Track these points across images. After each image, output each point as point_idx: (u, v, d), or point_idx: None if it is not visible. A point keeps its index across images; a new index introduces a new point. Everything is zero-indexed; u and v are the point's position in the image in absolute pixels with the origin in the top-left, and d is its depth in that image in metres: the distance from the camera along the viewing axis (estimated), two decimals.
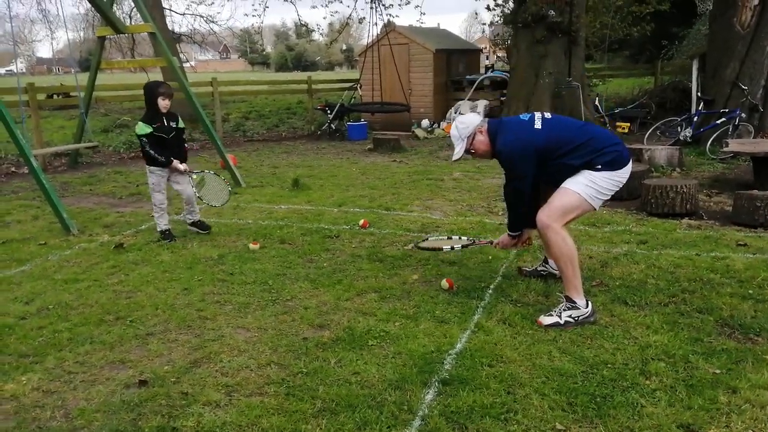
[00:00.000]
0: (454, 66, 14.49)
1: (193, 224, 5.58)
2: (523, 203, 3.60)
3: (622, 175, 3.44)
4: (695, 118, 10.05)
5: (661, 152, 7.95)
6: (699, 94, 10.80)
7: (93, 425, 2.57)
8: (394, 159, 10.11)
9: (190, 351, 3.25)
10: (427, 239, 4.40)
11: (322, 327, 3.50)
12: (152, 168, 5.31)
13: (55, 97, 14.45)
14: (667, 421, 2.44)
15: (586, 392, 2.67)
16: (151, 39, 8.65)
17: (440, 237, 4.31)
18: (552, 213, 3.39)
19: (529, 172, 3.45)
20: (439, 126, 13.54)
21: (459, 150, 3.60)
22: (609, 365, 2.91)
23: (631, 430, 2.40)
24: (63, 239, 5.58)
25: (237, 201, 7.03)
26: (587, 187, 3.36)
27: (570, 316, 3.33)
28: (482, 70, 15.89)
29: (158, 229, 5.39)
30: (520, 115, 3.65)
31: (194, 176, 5.52)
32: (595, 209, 3.47)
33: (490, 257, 4.58)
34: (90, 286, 4.28)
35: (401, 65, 13.27)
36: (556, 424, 2.46)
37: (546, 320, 3.35)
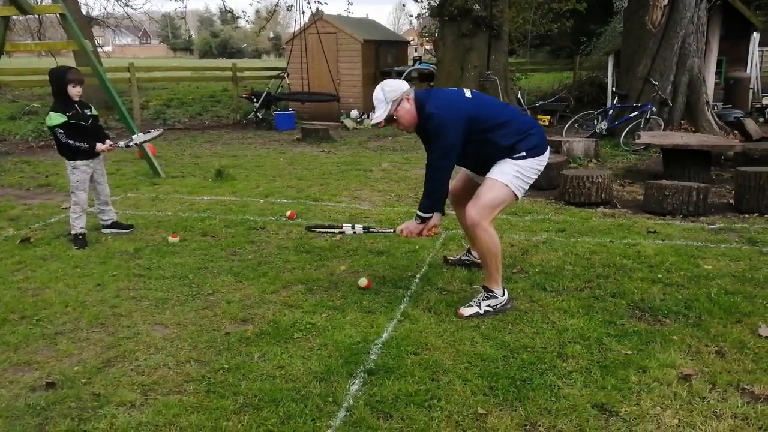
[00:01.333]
0: (382, 57, 14.51)
1: (110, 226, 5.13)
2: (446, 183, 3.42)
3: (542, 161, 3.45)
4: (610, 112, 10.54)
5: (578, 144, 8.28)
6: (614, 89, 11.34)
7: None
8: (323, 149, 10.02)
9: (102, 350, 3.08)
10: (323, 226, 4.16)
11: (245, 321, 3.41)
12: (77, 163, 4.77)
13: None
14: (582, 402, 2.53)
15: (506, 376, 2.74)
16: (61, 21, 8.10)
17: (340, 224, 4.00)
18: (482, 210, 3.32)
19: (457, 143, 3.28)
20: (368, 117, 13.53)
21: (381, 113, 3.34)
22: (528, 349, 3.00)
23: (549, 412, 2.48)
24: None
25: (156, 192, 6.75)
26: (515, 177, 3.34)
27: (489, 306, 3.37)
28: (410, 62, 16.00)
29: (72, 232, 4.83)
30: (450, 88, 3.58)
31: (121, 144, 5.05)
32: (517, 198, 3.47)
33: (417, 247, 4.62)
34: None
35: (330, 55, 13.14)
36: (478, 408, 2.50)
37: (466, 311, 3.36)
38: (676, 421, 2.40)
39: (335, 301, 3.63)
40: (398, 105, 3.33)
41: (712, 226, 5.16)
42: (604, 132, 10.28)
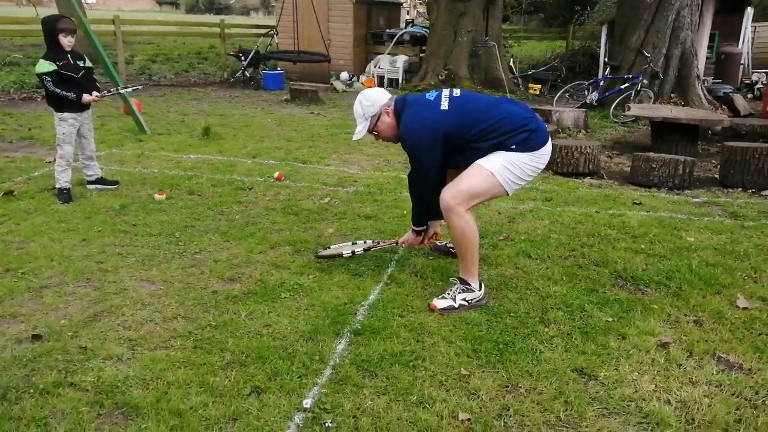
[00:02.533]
0: (374, 19, 14.27)
1: (95, 182, 5.06)
2: (429, 194, 3.18)
3: (540, 157, 3.09)
4: (601, 83, 10.52)
5: (568, 114, 8.28)
6: (606, 59, 11.29)
7: None
8: (312, 111, 9.91)
9: (89, 304, 3.08)
10: (328, 248, 3.80)
11: (232, 280, 3.42)
12: (64, 115, 4.68)
13: None
14: (562, 366, 2.60)
15: (490, 339, 2.79)
16: None
17: (342, 244, 3.76)
18: (458, 194, 3.01)
19: (436, 160, 3.06)
20: (358, 80, 13.36)
21: (360, 130, 3.23)
22: (512, 314, 3.05)
23: (530, 374, 2.54)
24: None
25: (141, 149, 6.66)
26: (503, 167, 3.01)
27: (464, 299, 3.11)
28: (402, 25, 15.75)
29: (57, 186, 4.75)
30: (426, 94, 3.24)
31: (106, 93, 5.02)
32: (507, 194, 3.13)
33: (404, 212, 4.63)
34: None
35: (320, 14, 12.88)
36: (461, 369, 2.56)
37: (440, 303, 3.11)
38: (653, 386, 2.47)
39: (322, 263, 3.65)
40: (378, 120, 3.20)
41: (696, 200, 5.23)
42: (594, 103, 10.28)
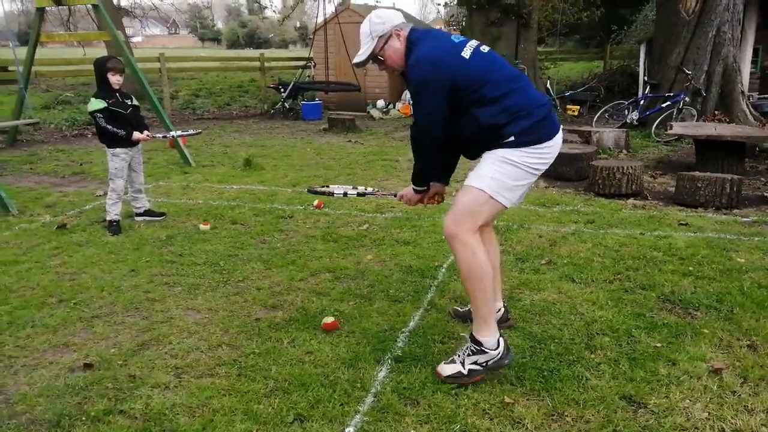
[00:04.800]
0: None
1: (143, 214, 5.24)
2: (433, 152, 2.73)
3: (542, 153, 2.62)
4: (641, 102, 10.35)
5: (608, 134, 8.17)
6: (645, 78, 11.12)
7: (35, 410, 2.49)
8: (350, 139, 10.05)
9: (137, 333, 3.17)
10: (325, 186, 3.54)
11: (275, 308, 3.47)
12: (116, 150, 4.91)
13: None
14: (610, 393, 2.53)
15: (534, 366, 2.74)
16: (94, 11, 8.26)
17: (344, 186, 3.49)
18: (458, 217, 2.62)
19: (439, 106, 2.56)
20: (394, 107, 13.51)
21: (364, 50, 2.73)
22: (556, 340, 2.99)
23: (576, 402, 2.48)
24: (2, 220, 5.33)
25: (186, 181, 6.86)
26: (493, 180, 2.60)
27: (476, 363, 2.61)
28: None
29: (107, 218, 4.94)
30: (453, 36, 2.75)
31: (159, 136, 5.24)
32: (505, 207, 2.69)
33: (443, 237, 4.62)
34: (31, 268, 4.11)
35: (356, 45, 13.10)
36: (505, 397, 2.51)
37: (446, 370, 2.64)
38: (706, 414, 2.38)
39: (362, 290, 3.67)
40: (386, 42, 2.68)
41: (745, 219, 5.06)
42: (635, 122, 10.12)
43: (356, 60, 2.79)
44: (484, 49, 2.70)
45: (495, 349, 2.60)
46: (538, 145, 2.59)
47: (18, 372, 2.80)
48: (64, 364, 2.86)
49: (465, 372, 2.61)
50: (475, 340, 2.63)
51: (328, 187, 3.43)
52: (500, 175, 2.59)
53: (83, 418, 2.42)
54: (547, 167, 2.69)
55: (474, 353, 2.62)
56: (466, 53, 2.61)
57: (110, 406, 2.50)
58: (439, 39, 2.67)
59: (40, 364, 2.86)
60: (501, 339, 2.64)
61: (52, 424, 2.38)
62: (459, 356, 2.67)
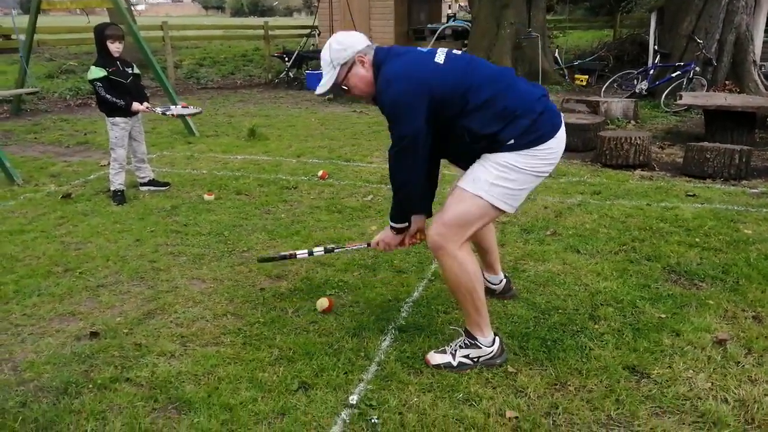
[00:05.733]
0: (415, 14, 14.23)
1: (147, 184, 5.23)
2: (415, 181, 2.42)
3: (547, 153, 2.35)
4: (651, 72, 10.19)
5: (617, 105, 8.05)
6: (656, 47, 10.92)
7: (43, 377, 2.51)
8: (354, 109, 9.96)
9: (143, 302, 3.18)
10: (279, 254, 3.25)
11: (279, 278, 3.47)
12: (116, 119, 4.87)
13: None
14: (613, 363, 2.53)
15: (537, 336, 2.74)
16: None
17: (311, 248, 3.12)
18: (444, 228, 2.38)
19: (418, 131, 2.28)
20: None
21: (326, 80, 2.46)
22: (560, 311, 2.99)
23: (579, 372, 2.48)
24: (7, 189, 5.34)
25: (191, 151, 6.84)
26: (493, 185, 2.34)
27: (467, 356, 2.51)
28: (444, 20, 15.64)
29: (111, 188, 4.93)
30: (419, 48, 2.54)
31: (158, 110, 5.16)
32: (508, 212, 2.44)
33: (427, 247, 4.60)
34: (36, 238, 4.12)
35: (362, 12, 12.94)
36: (508, 366, 2.52)
37: (436, 358, 2.53)
38: (709, 384, 2.39)
39: (366, 260, 3.66)
40: (349, 70, 2.43)
41: (753, 190, 5.01)
42: (644, 92, 9.97)
43: (318, 91, 2.52)
44: (457, 52, 2.47)
45: (489, 346, 2.51)
46: (542, 145, 2.33)
47: (25, 340, 2.82)
48: (71, 333, 2.88)
49: (455, 364, 2.50)
50: (469, 334, 2.53)
51: (287, 254, 3.12)
52: (503, 181, 2.33)
53: (90, 386, 2.44)
54: (554, 166, 2.43)
55: (467, 346, 2.52)
56: (439, 58, 2.38)
57: (116, 374, 2.52)
58: (406, 53, 2.45)
59: (47, 333, 2.89)
60: (497, 338, 2.54)
61: (60, 391, 2.41)
62: (451, 347, 2.55)
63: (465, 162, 2.48)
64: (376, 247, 2.75)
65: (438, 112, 2.30)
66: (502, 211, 2.41)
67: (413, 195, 2.51)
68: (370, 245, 2.82)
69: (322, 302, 3.03)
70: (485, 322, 2.51)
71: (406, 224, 2.63)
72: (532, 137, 2.31)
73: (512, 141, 2.30)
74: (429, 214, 2.68)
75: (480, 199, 2.35)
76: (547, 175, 2.42)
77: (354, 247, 3.10)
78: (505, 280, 3.10)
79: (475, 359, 2.51)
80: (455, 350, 2.53)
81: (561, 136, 2.40)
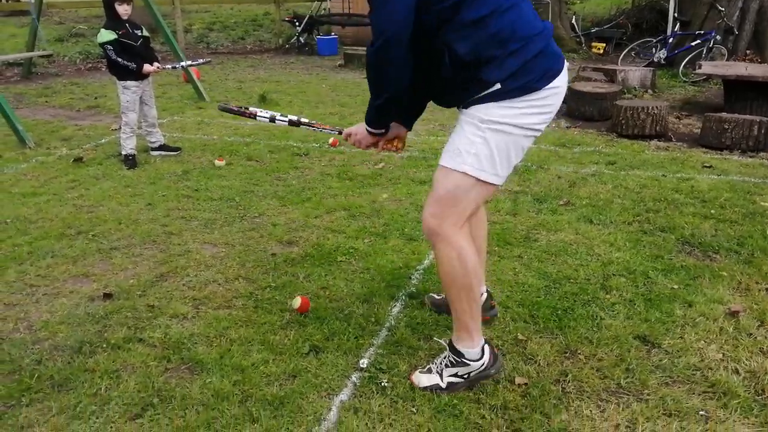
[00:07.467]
0: None
1: (158, 148, 5.22)
2: (395, 76, 1.94)
3: (543, 103, 1.94)
4: (670, 40, 9.94)
5: (634, 73, 7.89)
6: (675, 14, 10.63)
7: (57, 336, 2.55)
8: (365, 76, 9.83)
9: (155, 265, 3.21)
10: (245, 107, 2.69)
11: (290, 243, 3.48)
12: (127, 83, 4.84)
13: (3, 1, 13.49)
14: (624, 332, 2.53)
15: (548, 305, 2.74)
16: None
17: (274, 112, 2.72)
18: (439, 208, 2.05)
19: (401, 13, 1.82)
20: None
21: None
22: (571, 280, 2.98)
23: (589, 341, 2.48)
24: (19, 152, 5.36)
25: (201, 116, 6.81)
26: (474, 156, 1.98)
27: (455, 375, 2.18)
28: None
29: (123, 152, 4.94)
30: None
31: (168, 66, 5.16)
32: (499, 185, 2.07)
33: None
34: (49, 200, 4.14)
35: None
36: (518, 334, 2.53)
37: (422, 380, 2.21)
38: (720, 355, 2.38)
39: (377, 228, 3.66)
40: None
41: None
42: (662, 61, 9.75)
43: None
44: None
45: (477, 360, 2.15)
46: (533, 93, 1.92)
47: (40, 300, 2.86)
48: (84, 294, 2.91)
49: (443, 385, 2.17)
50: (454, 350, 2.18)
51: (247, 109, 2.65)
52: (484, 148, 1.96)
53: (104, 345, 2.48)
54: (550, 120, 2.04)
55: (453, 365, 2.18)
56: None
57: (130, 335, 2.55)
58: None
59: (61, 293, 2.92)
60: (486, 347, 2.18)
61: (74, 350, 2.44)
62: (436, 366, 2.22)
63: (443, 98, 2.13)
64: (347, 140, 2.41)
65: (423, 13, 1.86)
66: (495, 185, 2.06)
67: (393, 104, 2.07)
68: (342, 134, 2.48)
69: (296, 302, 2.71)
70: (476, 326, 2.15)
71: (381, 131, 2.25)
72: (521, 82, 1.90)
73: (498, 86, 1.90)
74: (409, 128, 2.35)
75: (465, 176, 2.00)
76: (540, 133, 2.03)
77: (325, 129, 2.69)
78: (486, 294, 2.57)
79: (465, 376, 2.18)
80: (441, 370, 2.20)
81: (562, 81, 1.98)
